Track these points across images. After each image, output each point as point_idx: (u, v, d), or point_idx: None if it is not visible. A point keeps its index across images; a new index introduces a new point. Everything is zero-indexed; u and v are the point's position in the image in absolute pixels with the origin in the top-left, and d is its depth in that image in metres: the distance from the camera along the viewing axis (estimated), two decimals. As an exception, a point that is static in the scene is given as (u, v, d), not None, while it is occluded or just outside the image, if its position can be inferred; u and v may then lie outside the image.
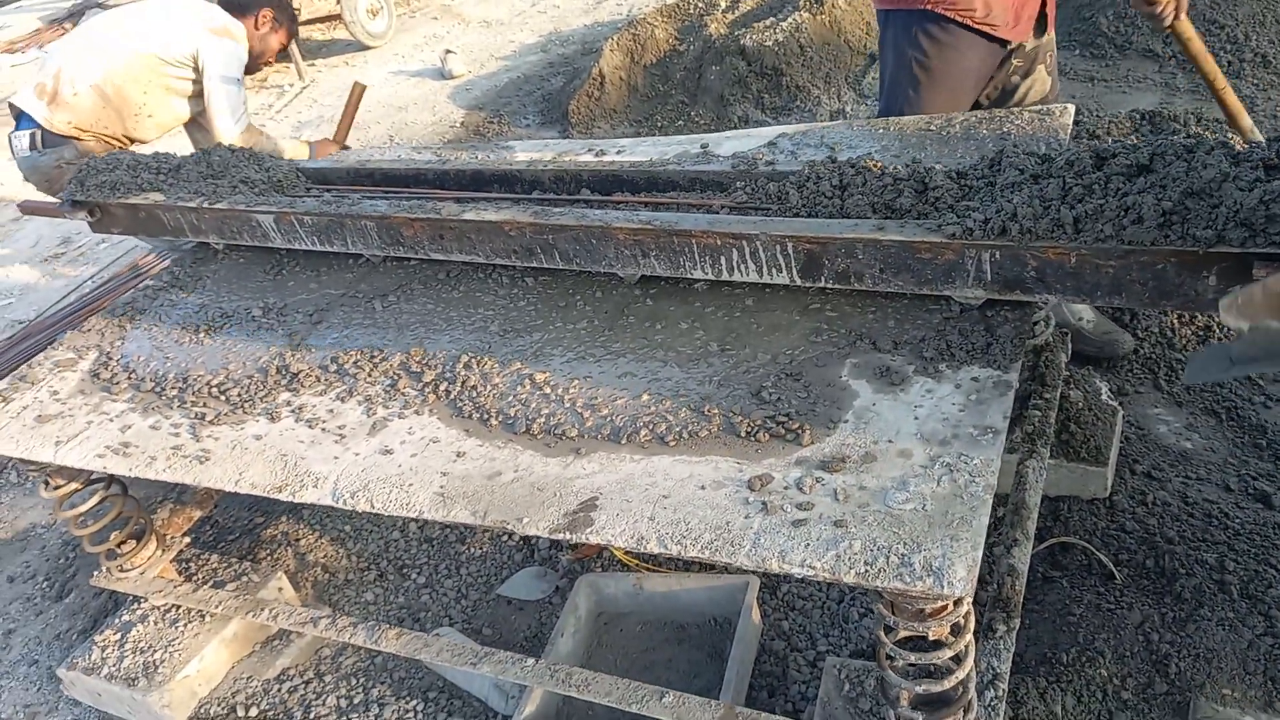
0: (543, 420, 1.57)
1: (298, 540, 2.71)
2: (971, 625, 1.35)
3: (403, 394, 1.73)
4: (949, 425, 1.36)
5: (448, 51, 7.18)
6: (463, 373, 1.73)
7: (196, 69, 3.25)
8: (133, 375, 2.00)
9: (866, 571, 1.18)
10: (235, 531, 2.83)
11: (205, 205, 2.18)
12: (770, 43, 5.25)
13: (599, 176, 2.14)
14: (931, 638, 1.32)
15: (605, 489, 1.40)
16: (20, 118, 3.25)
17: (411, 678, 2.23)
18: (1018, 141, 1.96)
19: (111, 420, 1.88)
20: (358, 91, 3.56)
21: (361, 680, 2.25)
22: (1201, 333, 2.69)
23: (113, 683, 2.19)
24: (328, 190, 2.37)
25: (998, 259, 1.43)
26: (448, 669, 2.18)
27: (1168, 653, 1.84)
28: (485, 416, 1.62)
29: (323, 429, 1.69)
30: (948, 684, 1.36)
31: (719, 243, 1.64)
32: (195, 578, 2.35)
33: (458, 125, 6.12)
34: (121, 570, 2.27)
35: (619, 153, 2.27)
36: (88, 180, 2.37)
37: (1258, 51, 4.29)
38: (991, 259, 1.44)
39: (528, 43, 7.53)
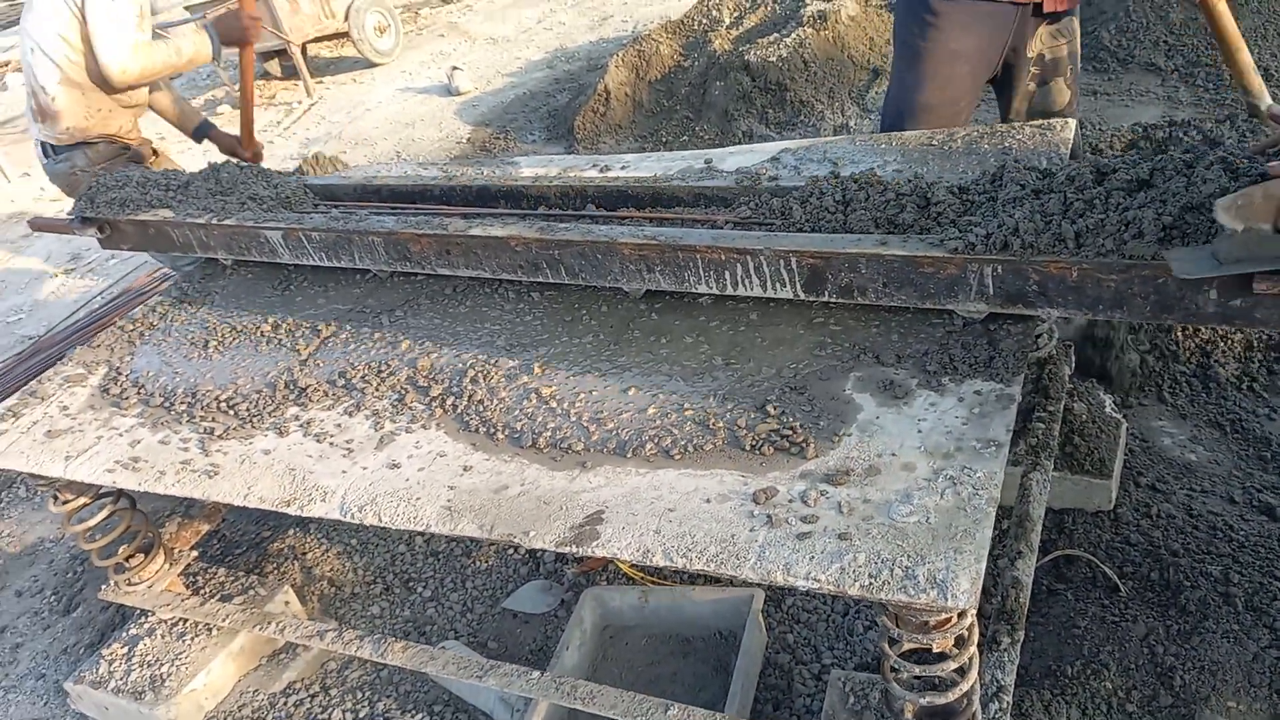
0: (549, 434, 1.58)
1: (304, 554, 2.72)
2: (975, 637, 1.36)
3: (410, 408, 1.74)
4: (952, 438, 1.36)
5: (454, 68, 7.24)
6: (469, 387, 1.74)
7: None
8: (142, 390, 2.02)
9: (871, 584, 1.19)
10: (242, 545, 2.85)
11: (214, 221, 2.21)
12: (774, 58, 5.29)
13: (604, 192, 2.16)
14: (936, 650, 1.33)
15: (611, 502, 1.41)
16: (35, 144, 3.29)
17: (417, 691, 2.23)
18: (1019, 156, 1.97)
19: (121, 435, 1.89)
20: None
21: (367, 694, 2.26)
22: (1204, 346, 2.70)
23: (120, 696, 2.20)
24: (335, 206, 2.39)
25: (1000, 273, 1.45)
26: (453, 682, 2.18)
27: (1173, 665, 1.84)
28: (492, 430, 1.63)
29: (331, 443, 1.71)
30: (952, 696, 1.36)
31: (723, 258, 1.66)
32: (202, 591, 2.37)
33: (464, 141, 6.17)
34: (129, 584, 2.28)
35: (624, 168, 2.29)
36: (97, 197, 2.39)
37: (1259, 64, 4.31)
38: (994, 273, 1.45)
39: (534, 59, 7.58)
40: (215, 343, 2.12)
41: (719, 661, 2.10)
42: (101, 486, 2.08)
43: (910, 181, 1.69)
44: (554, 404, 1.65)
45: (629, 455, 1.49)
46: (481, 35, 8.63)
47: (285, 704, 2.27)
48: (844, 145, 2.23)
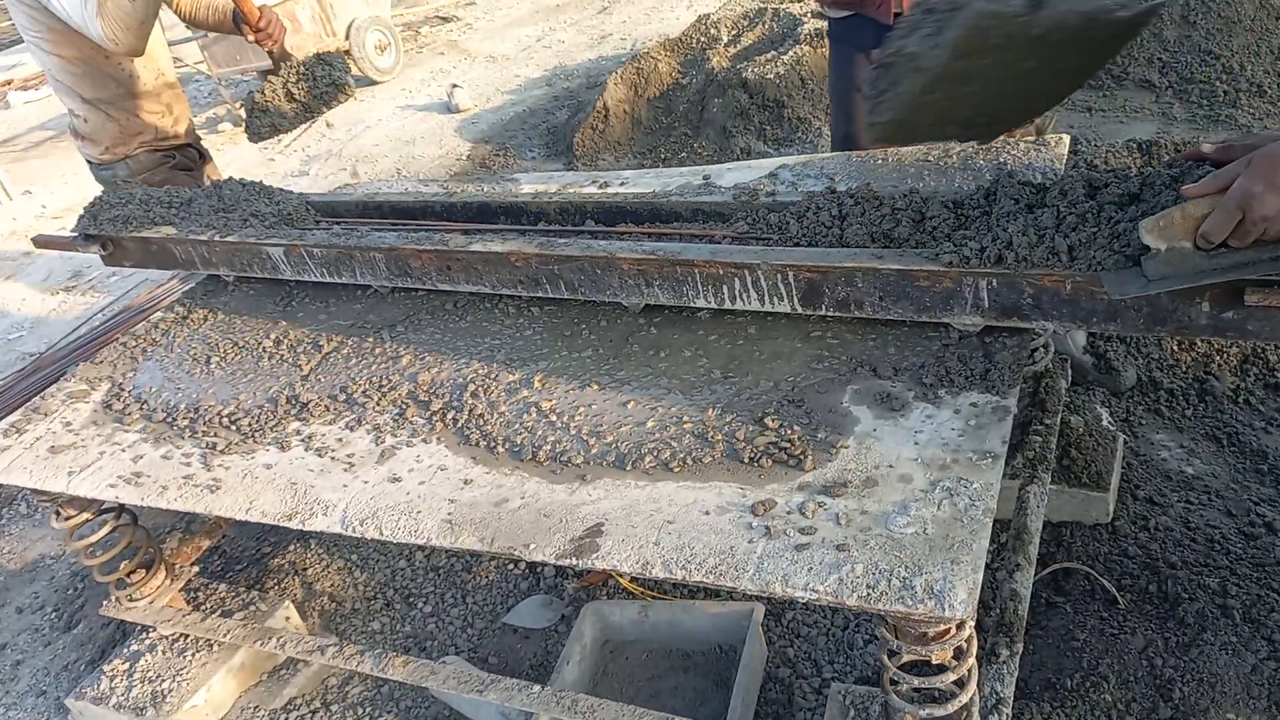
0: (549, 447, 1.59)
1: (305, 569, 2.73)
2: (974, 649, 1.37)
3: (411, 422, 1.76)
4: (948, 450, 1.38)
5: (454, 86, 7.29)
6: (470, 401, 1.75)
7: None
8: (145, 406, 2.03)
9: (869, 595, 1.20)
10: (243, 561, 2.85)
11: (216, 238, 2.23)
12: (772, 75, 5.33)
13: (603, 208, 2.18)
14: (934, 661, 1.33)
15: (611, 515, 1.42)
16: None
17: (418, 707, 2.23)
18: (1013, 171, 2.00)
19: (123, 450, 1.91)
20: None
21: (368, 709, 2.26)
22: (1201, 359, 2.72)
23: (121, 712, 2.20)
24: (337, 223, 2.41)
25: (995, 286, 1.46)
26: (454, 697, 2.18)
27: (1171, 678, 1.84)
28: (492, 444, 1.64)
29: (332, 458, 1.72)
30: (951, 708, 1.37)
31: (721, 272, 1.67)
32: (203, 607, 2.37)
33: (464, 158, 6.21)
34: (130, 600, 2.29)
35: (622, 184, 2.31)
36: (100, 215, 2.41)
37: (1253, 81, 4.35)
38: (989, 287, 1.47)
39: (533, 77, 7.64)
40: (217, 358, 2.13)
41: (719, 676, 2.10)
42: (104, 502, 2.09)
43: (905, 196, 1.71)
44: (554, 417, 1.67)
45: (628, 468, 1.51)
46: (481, 53, 8.69)
47: (286, 720, 2.28)
48: (840, 161, 2.25)
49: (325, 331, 2.12)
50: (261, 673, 2.39)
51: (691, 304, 1.76)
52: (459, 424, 1.71)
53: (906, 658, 1.35)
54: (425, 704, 2.24)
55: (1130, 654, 1.91)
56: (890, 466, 1.38)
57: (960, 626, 1.31)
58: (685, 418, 1.59)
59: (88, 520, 2.16)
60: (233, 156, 7.24)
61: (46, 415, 2.09)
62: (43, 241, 2.63)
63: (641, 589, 2.38)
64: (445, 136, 6.68)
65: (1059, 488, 2.24)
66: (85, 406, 2.10)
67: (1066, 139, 2.10)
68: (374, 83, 8.31)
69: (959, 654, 1.35)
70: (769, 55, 5.64)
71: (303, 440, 1.79)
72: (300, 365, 2.02)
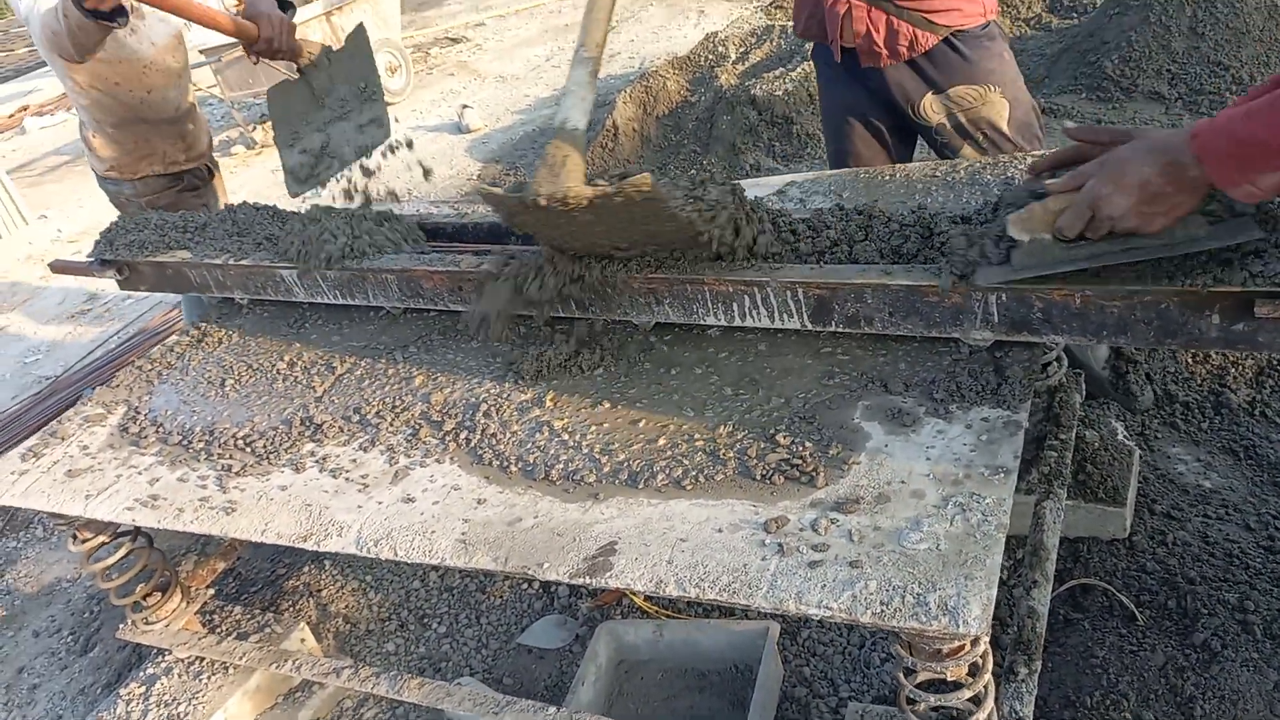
0: (561, 466, 1.60)
1: (319, 591, 2.73)
2: (990, 665, 1.36)
3: (424, 443, 1.76)
4: (960, 465, 1.37)
5: (464, 106, 7.35)
6: (482, 421, 1.76)
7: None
8: (160, 429, 2.05)
9: (883, 612, 1.19)
10: (258, 583, 2.86)
11: (230, 262, 2.25)
12: (780, 92, 5.35)
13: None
14: (950, 678, 1.32)
15: (623, 533, 1.42)
16: None
17: (433, 728, 2.23)
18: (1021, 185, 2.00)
19: (140, 473, 1.92)
20: None
21: (383, 731, 2.26)
22: (1216, 372, 2.70)
23: (137, 735, 2.20)
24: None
25: (1004, 301, 1.46)
26: (469, 719, 2.18)
27: (1192, 695, 1.82)
28: (505, 463, 1.64)
29: (346, 478, 1.73)
30: (968, 726, 1.36)
31: (731, 289, 1.68)
32: (219, 630, 2.38)
33: (475, 178, 6.25)
34: (147, 623, 2.30)
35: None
36: (116, 240, 2.44)
37: (1263, 92, 4.34)
38: (998, 301, 1.47)
39: (542, 96, 7.69)
40: (232, 381, 2.15)
41: (735, 696, 2.09)
42: (120, 525, 2.10)
43: (914, 212, 1.71)
44: (566, 436, 1.67)
45: (640, 486, 1.51)
46: (491, 74, 8.76)
47: (301, 741, 2.27)
48: (848, 178, 2.26)
49: (338, 353, 2.13)
50: (277, 695, 2.40)
51: (701, 321, 1.76)
52: (472, 444, 1.72)
53: (922, 675, 1.34)
54: (440, 725, 2.23)
55: (1150, 671, 1.89)
56: (902, 482, 1.38)
57: (975, 643, 1.30)
58: (697, 435, 1.59)
59: (104, 543, 2.18)
60: (245, 179, 7.31)
61: (63, 439, 2.11)
62: (59, 267, 2.67)
63: (656, 608, 2.37)
64: (456, 157, 6.73)
65: (1075, 503, 2.22)
66: (102, 430, 2.11)
67: (1075, 152, 2.10)
68: (386, 104, 8.38)
69: (974, 670, 1.34)
70: (777, 72, 5.67)
71: (317, 461, 1.80)
72: (314, 387, 2.04)
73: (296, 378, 2.09)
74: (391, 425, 1.84)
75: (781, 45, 6.19)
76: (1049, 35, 5.82)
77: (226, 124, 9.05)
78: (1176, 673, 1.88)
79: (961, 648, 1.29)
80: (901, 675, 1.37)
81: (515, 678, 2.35)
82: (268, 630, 2.37)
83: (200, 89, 8.81)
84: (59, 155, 9.50)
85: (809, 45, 2.61)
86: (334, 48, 2.71)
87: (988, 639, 1.29)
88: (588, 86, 1.73)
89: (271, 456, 1.85)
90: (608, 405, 1.73)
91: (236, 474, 1.83)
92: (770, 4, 8.12)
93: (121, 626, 2.36)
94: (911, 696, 1.38)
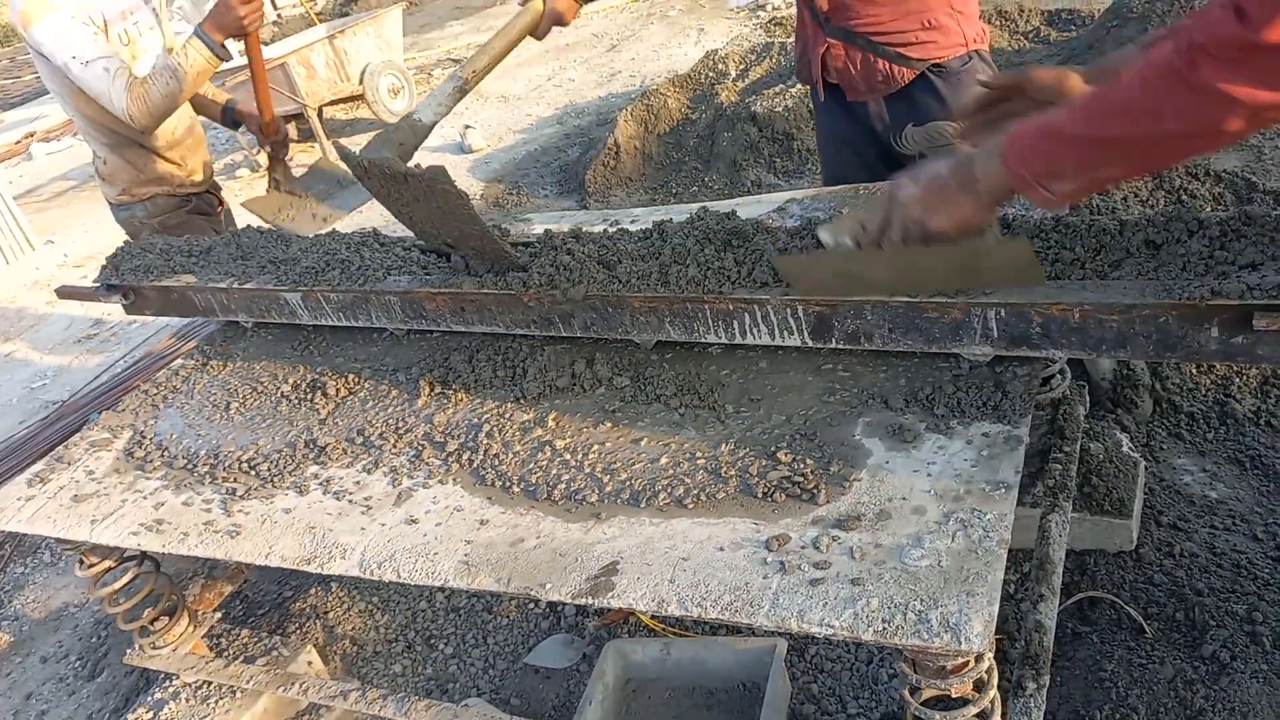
0: (563, 486, 1.60)
1: (326, 613, 2.73)
2: (995, 681, 1.35)
3: (427, 464, 1.77)
4: (961, 481, 1.37)
5: (467, 127, 7.39)
6: (484, 441, 1.77)
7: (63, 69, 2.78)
8: (166, 453, 2.06)
9: (885, 629, 1.19)
10: (264, 605, 2.86)
11: (235, 286, 2.26)
12: (780, 108, 5.38)
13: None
14: (955, 695, 1.32)
15: (626, 553, 1.42)
16: None
17: (440, 749, 2.22)
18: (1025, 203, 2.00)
19: (145, 498, 1.93)
20: None
21: (390, 753, 2.25)
22: (1221, 382, 2.69)
23: (144, 760, 2.20)
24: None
25: (1003, 316, 1.46)
26: (476, 739, 2.17)
27: (1202, 708, 1.81)
28: (507, 484, 1.65)
29: (350, 500, 1.73)
30: (975, 743, 1.35)
31: (731, 307, 1.69)
32: (226, 653, 2.38)
33: (478, 197, 6.28)
34: (154, 647, 2.30)
35: (633, 222, 2.33)
36: (122, 265, 2.46)
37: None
38: (997, 316, 1.47)
39: (544, 116, 7.74)
40: (236, 404, 2.16)
41: (743, 714, 2.08)
42: (126, 549, 2.10)
43: None
44: (568, 456, 1.68)
45: (642, 505, 1.51)
46: (493, 93, 8.82)
47: (308, 765, 2.27)
48: (849, 194, 2.26)
49: (342, 375, 2.14)
50: (285, 718, 2.39)
51: (703, 339, 1.77)
52: (474, 464, 1.73)
53: (928, 693, 1.33)
54: (447, 746, 2.22)
55: (1159, 684, 1.88)
56: (903, 499, 1.38)
57: (979, 659, 1.29)
58: (698, 453, 1.59)
59: (110, 568, 2.18)
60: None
61: (70, 464, 2.12)
62: (66, 293, 2.69)
63: (663, 626, 2.37)
64: (459, 176, 6.77)
65: (1081, 516, 2.22)
66: (108, 455, 2.13)
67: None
68: (388, 125, 8.44)
69: (980, 686, 1.34)
70: (777, 89, 5.70)
71: (321, 484, 1.81)
72: (318, 409, 2.05)
73: (300, 400, 2.10)
74: (394, 447, 1.84)
75: (781, 62, 6.22)
76: (1048, 48, 5.84)
77: (231, 147, 9.11)
78: (1186, 685, 1.87)
79: (966, 664, 1.29)
80: (907, 693, 1.37)
81: (523, 698, 2.35)
82: (275, 653, 2.37)
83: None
84: (65, 181, 9.57)
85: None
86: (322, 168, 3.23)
87: (991, 655, 1.29)
88: (449, 97, 2.05)
89: (276, 479, 1.85)
90: (609, 425, 1.73)
91: (241, 497, 1.83)
92: (769, 21, 8.18)
93: (129, 651, 2.36)
94: (918, 714, 1.37)
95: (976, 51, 2.34)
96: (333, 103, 8.16)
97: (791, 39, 6.63)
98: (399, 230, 2.49)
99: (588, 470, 1.62)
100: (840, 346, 1.65)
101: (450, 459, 1.76)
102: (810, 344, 1.66)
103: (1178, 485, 2.42)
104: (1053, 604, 1.75)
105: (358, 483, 1.78)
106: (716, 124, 5.65)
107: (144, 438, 2.14)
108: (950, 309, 1.49)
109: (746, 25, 8.51)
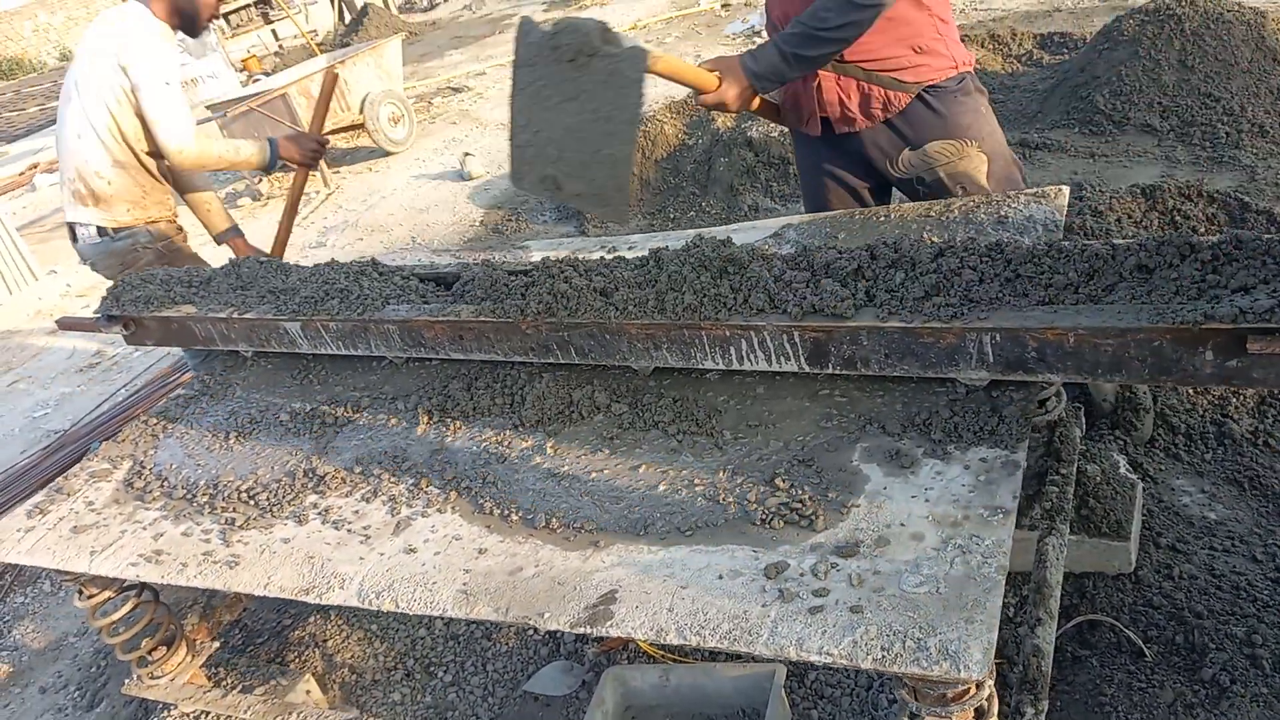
0: (562, 514, 1.60)
1: (325, 641, 2.72)
2: (995, 708, 1.35)
3: (425, 493, 1.77)
4: (959, 506, 1.38)
5: (466, 154, 7.44)
6: (483, 470, 1.77)
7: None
8: (165, 483, 2.06)
9: (883, 657, 1.19)
10: (263, 634, 2.85)
11: (235, 315, 2.28)
12: (776, 133, 5.42)
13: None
14: (956, 722, 1.32)
15: (624, 581, 1.42)
16: (77, 227, 3.22)
17: (440, 779, 2.21)
18: (1016, 225, 2.02)
19: (144, 528, 1.93)
20: (329, 79, 3.33)
21: (390, 783, 2.24)
22: (1218, 402, 2.70)
23: (142, 793, 2.19)
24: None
25: (999, 341, 1.47)
26: (476, 769, 2.16)
27: (1204, 731, 1.81)
28: (506, 512, 1.65)
29: (348, 530, 1.73)
30: (976, 770, 1.35)
31: (728, 334, 1.70)
32: (224, 683, 2.37)
33: (477, 224, 6.31)
34: (152, 677, 2.29)
35: (630, 249, 2.35)
36: (122, 296, 2.47)
37: (1254, 122, 4.39)
38: (992, 341, 1.48)
39: (543, 142, 7.77)
40: (236, 433, 2.17)
41: (743, 740, 2.07)
42: (125, 580, 2.10)
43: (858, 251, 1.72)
44: (566, 483, 1.68)
45: (641, 533, 1.51)
46: (492, 121, 8.88)
47: (307, 796, 2.25)
48: (844, 219, 2.28)
49: (341, 403, 2.15)
50: (283, 748, 2.38)
51: (700, 365, 1.78)
52: (473, 493, 1.73)
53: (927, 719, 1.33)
54: (447, 777, 2.21)
55: (1159, 708, 1.87)
56: (902, 525, 1.38)
57: (979, 686, 1.29)
58: (696, 480, 1.60)
59: (110, 598, 2.18)
60: (251, 230, 7.37)
61: (69, 495, 2.12)
62: (68, 324, 2.70)
63: (662, 652, 2.36)
64: (458, 204, 6.81)
65: (1079, 538, 2.21)
66: (107, 485, 2.13)
67: (1066, 191, 2.13)
68: (388, 154, 8.49)
69: (980, 714, 1.34)
70: (773, 114, 5.73)
71: (320, 513, 1.81)
72: (317, 438, 2.05)
73: (299, 429, 2.11)
74: (393, 475, 1.85)
75: (777, 87, 6.27)
76: (1041, 71, 5.90)
77: (233, 176, 9.17)
78: (1186, 709, 1.86)
79: (966, 691, 1.28)
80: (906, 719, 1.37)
81: (522, 727, 2.34)
82: (273, 682, 2.36)
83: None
84: (67, 210, 9.60)
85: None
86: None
87: (991, 682, 1.29)
88: None
89: (274, 509, 1.86)
90: (607, 452, 1.74)
91: (240, 527, 1.84)
92: (766, 46, 8.25)
93: (127, 682, 2.35)
94: (918, 741, 1.37)
95: (967, 73, 2.37)
96: (333, 131, 8.21)
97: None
98: (396, 259, 2.51)
99: (586, 498, 1.63)
100: (837, 372, 1.65)
101: (449, 487, 1.76)
102: (807, 370, 1.67)
103: (1176, 506, 2.42)
104: (1051, 628, 1.75)
105: (356, 512, 1.78)
106: (713, 149, 5.69)
107: (143, 468, 2.15)
108: (945, 334, 1.50)
109: (743, 51, 8.59)
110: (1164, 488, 2.49)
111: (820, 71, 2.34)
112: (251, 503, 1.90)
